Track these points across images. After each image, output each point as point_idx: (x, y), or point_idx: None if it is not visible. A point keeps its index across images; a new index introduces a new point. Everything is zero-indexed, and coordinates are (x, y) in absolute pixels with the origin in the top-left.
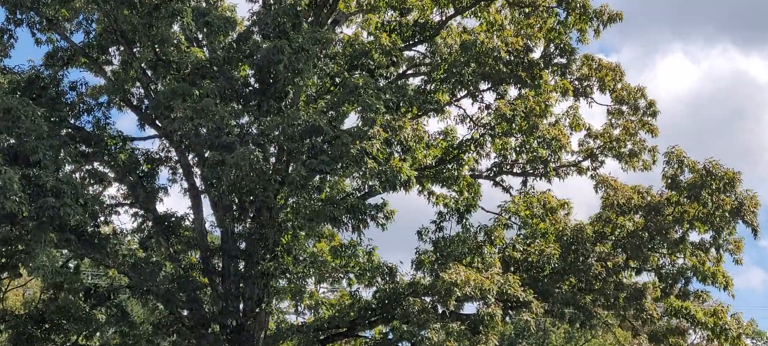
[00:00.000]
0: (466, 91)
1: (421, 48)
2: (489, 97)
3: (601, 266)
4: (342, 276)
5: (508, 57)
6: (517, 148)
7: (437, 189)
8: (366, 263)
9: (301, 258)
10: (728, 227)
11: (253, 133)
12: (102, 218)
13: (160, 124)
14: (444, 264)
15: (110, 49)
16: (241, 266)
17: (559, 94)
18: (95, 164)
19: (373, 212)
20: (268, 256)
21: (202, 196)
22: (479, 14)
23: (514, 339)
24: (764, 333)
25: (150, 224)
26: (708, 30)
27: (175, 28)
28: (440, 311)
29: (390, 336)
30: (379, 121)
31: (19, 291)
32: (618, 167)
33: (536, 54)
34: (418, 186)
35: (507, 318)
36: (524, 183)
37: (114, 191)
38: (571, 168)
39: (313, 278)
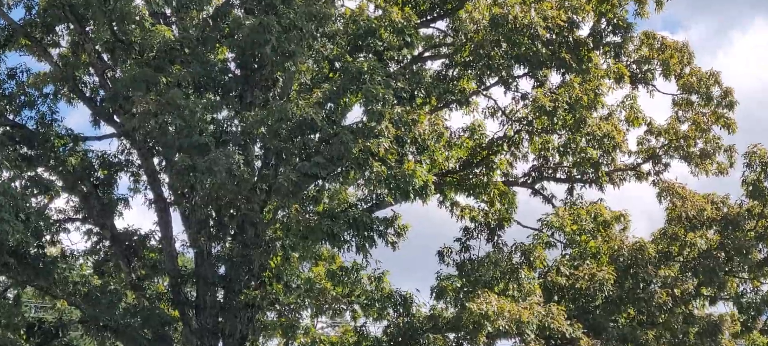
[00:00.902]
0: (497, 78)
1: (442, 24)
2: (525, 84)
3: (666, 294)
4: (344, 307)
5: (548, 35)
6: (561, 148)
7: (462, 199)
8: (374, 291)
9: (293, 285)
10: None
11: (233, 131)
12: (48, 237)
13: (118, 121)
14: (471, 292)
15: (57, 28)
16: (220, 296)
17: (613, 80)
18: (39, 170)
19: (381, 228)
20: (253, 283)
21: (171, 209)
22: None
23: None
24: None
25: (107, 243)
26: None
27: (138, 1)
28: None
29: None
30: (388, 114)
31: None
32: (686, 171)
33: (584, 31)
34: (437, 195)
35: None
36: (570, 191)
37: (62, 203)
38: (629, 172)
39: (308, 309)
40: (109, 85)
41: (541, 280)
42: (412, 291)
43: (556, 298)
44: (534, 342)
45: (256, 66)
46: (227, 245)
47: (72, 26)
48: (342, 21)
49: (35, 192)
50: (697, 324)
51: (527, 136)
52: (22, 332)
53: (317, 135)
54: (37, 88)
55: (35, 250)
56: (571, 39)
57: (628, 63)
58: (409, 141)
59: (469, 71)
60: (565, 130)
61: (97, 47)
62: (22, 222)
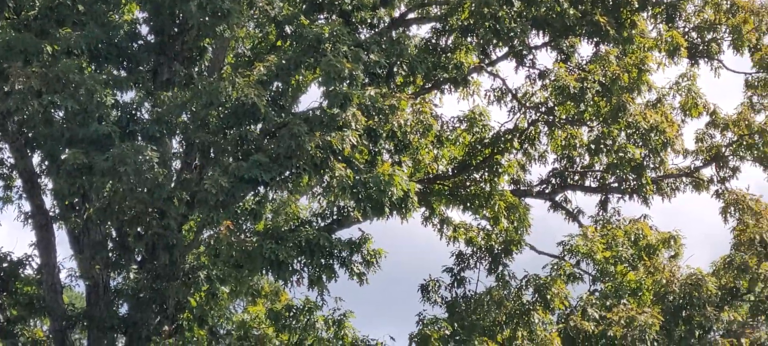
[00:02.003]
0: (506, 49)
1: None
2: (545, 58)
3: (730, 345)
4: None
5: None
6: (592, 146)
7: (456, 214)
8: (332, 339)
9: (221, 331)
10: None
11: (143, 119)
12: None
13: None
14: (465, 342)
15: None
16: (121, 345)
17: (664, 53)
18: None
19: (344, 254)
20: (165, 328)
21: (55, 226)
22: None
23: None
24: None
25: None
26: None
27: None
28: None
29: None
30: (356, 98)
31: None
32: (763, 178)
33: None
34: (422, 209)
35: None
36: (603, 205)
37: None
38: (683, 179)
39: None
40: None
41: (561, 326)
42: (385, 340)
43: None
44: None
45: (175, 30)
46: (132, 276)
47: None
48: None
49: None
50: None
51: (546, 128)
52: None
53: (259, 126)
54: None
55: None
56: None
57: (686, 30)
58: (384, 135)
59: (469, 39)
60: (598, 120)
61: None
62: None
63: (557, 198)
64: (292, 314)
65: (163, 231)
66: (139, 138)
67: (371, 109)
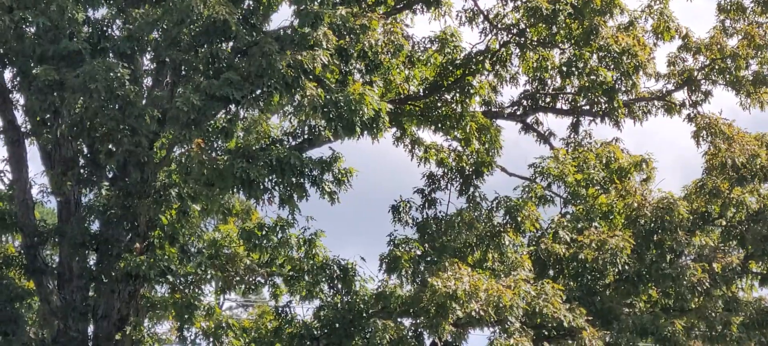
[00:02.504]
0: None
1: None
2: None
3: (702, 271)
4: (262, 281)
5: None
6: (564, 68)
7: (427, 135)
8: (303, 259)
9: (192, 249)
10: None
11: (115, 36)
12: None
13: None
14: (436, 263)
15: None
16: (92, 262)
17: None
18: None
19: (315, 173)
20: (137, 245)
21: (27, 142)
22: None
23: None
24: None
25: None
26: None
27: None
28: (429, 342)
29: None
30: (327, 17)
31: None
32: (734, 103)
33: None
34: (393, 129)
35: None
36: (575, 127)
37: None
38: (655, 103)
39: (212, 283)
40: None
41: (531, 248)
42: (356, 260)
43: (551, 273)
44: (519, 333)
45: None
46: (103, 193)
47: None
48: None
49: None
50: (743, 311)
51: (518, 50)
52: None
53: (230, 44)
54: None
55: None
56: None
57: None
58: (355, 55)
59: None
60: (570, 42)
61: None
62: None
63: (529, 120)
64: (263, 232)
65: (134, 148)
66: (111, 55)
67: (342, 29)
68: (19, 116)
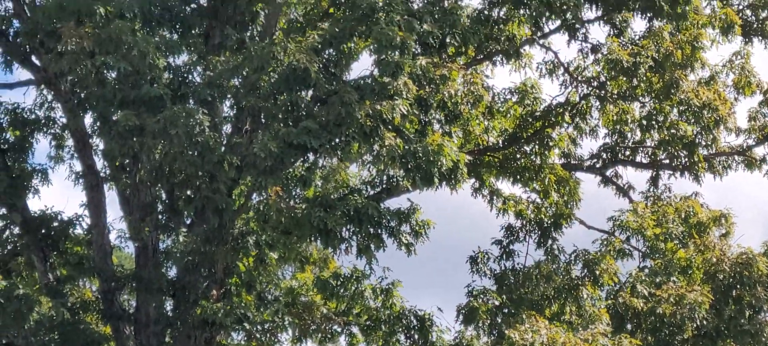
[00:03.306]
0: (559, 22)
1: None
2: (598, 32)
3: None
4: (338, 330)
5: None
6: (644, 121)
7: (505, 186)
8: (380, 308)
9: (269, 297)
10: None
11: (195, 82)
12: None
13: (38, 63)
14: (513, 315)
15: None
16: (169, 308)
17: (718, 30)
18: None
19: (393, 224)
20: (214, 291)
21: (106, 186)
22: None
23: None
24: None
25: (15, 231)
26: None
27: None
28: None
29: None
30: (408, 67)
31: None
32: None
33: None
34: (472, 180)
35: None
36: (654, 181)
37: None
38: (736, 157)
39: (288, 330)
40: (26, 14)
41: (609, 302)
42: (433, 311)
43: (629, 327)
44: None
45: None
46: (181, 239)
47: None
48: None
49: None
50: None
51: (598, 102)
52: None
53: (310, 92)
54: None
55: None
56: None
57: (740, 7)
58: (435, 105)
59: (522, 11)
60: (650, 96)
61: None
62: None
63: (608, 173)
64: (339, 282)
65: (212, 195)
66: (191, 101)
67: (422, 79)
68: (99, 161)
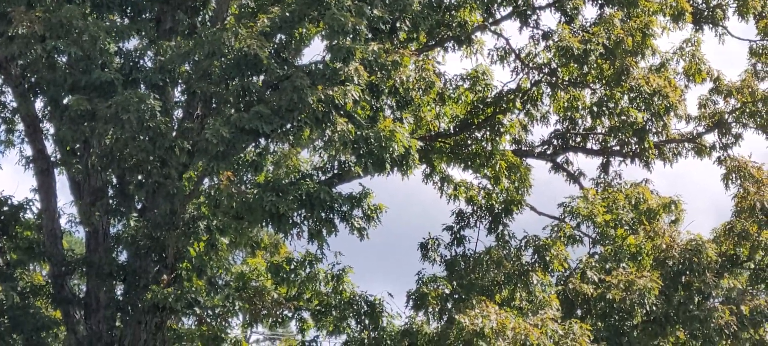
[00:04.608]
0: (510, 8)
1: None
2: (549, 19)
3: (730, 313)
4: (289, 315)
5: None
6: (595, 108)
7: (457, 172)
8: (331, 294)
9: (220, 282)
10: None
11: (146, 67)
12: None
13: None
14: (463, 300)
15: None
16: (119, 293)
17: (669, 18)
18: None
19: (345, 208)
20: (164, 276)
21: (56, 171)
22: None
23: None
24: None
25: None
26: None
27: None
28: None
29: None
30: (359, 53)
31: None
32: (765, 146)
33: None
34: (423, 166)
35: None
36: (605, 167)
37: None
38: (686, 145)
39: (239, 315)
40: None
41: (559, 287)
42: (383, 296)
43: (579, 312)
44: None
45: None
46: (132, 224)
47: None
48: None
49: None
50: None
51: (549, 89)
52: None
53: (261, 77)
54: None
55: None
56: None
57: None
58: (386, 91)
59: None
60: (601, 83)
61: None
62: None
63: (559, 159)
64: (291, 267)
65: (163, 180)
66: (142, 86)
67: (374, 65)
68: (49, 146)
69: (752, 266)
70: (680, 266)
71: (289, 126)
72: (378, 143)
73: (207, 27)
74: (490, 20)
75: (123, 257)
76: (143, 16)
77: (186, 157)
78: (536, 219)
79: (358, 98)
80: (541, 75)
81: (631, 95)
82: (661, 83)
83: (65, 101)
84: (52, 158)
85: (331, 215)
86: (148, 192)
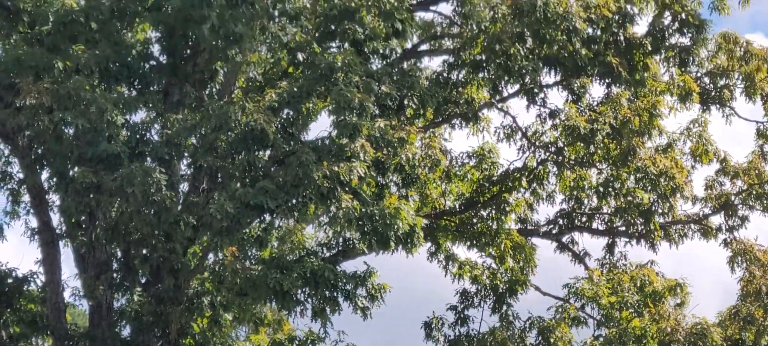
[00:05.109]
0: (517, 86)
1: (446, 8)
2: (556, 97)
3: None
4: None
5: (591, 30)
6: (601, 188)
7: (461, 251)
8: None
9: None
10: None
11: (153, 140)
12: None
13: None
14: None
15: None
16: None
17: (676, 98)
18: None
19: (349, 286)
20: None
21: (61, 243)
22: None
23: None
24: None
25: None
26: None
27: None
28: None
29: None
30: (366, 129)
31: None
32: None
33: (640, 28)
34: (428, 244)
35: None
36: (610, 248)
37: None
38: (692, 226)
39: None
40: None
41: None
42: None
43: None
44: None
45: (188, 52)
46: (135, 299)
47: None
48: None
49: None
50: None
51: (555, 168)
52: None
53: (268, 152)
54: None
55: None
56: (621, 37)
57: (699, 75)
58: (392, 168)
59: (481, 75)
60: (607, 163)
61: None
62: None
63: (564, 239)
64: (294, 344)
65: (168, 254)
66: (148, 159)
67: (380, 141)
68: (55, 218)
69: None
70: None
71: (294, 202)
72: (383, 221)
73: (214, 100)
74: (497, 98)
75: (126, 331)
76: (151, 88)
77: (191, 232)
78: (541, 299)
79: (363, 175)
80: (547, 154)
81: (638, 176)
82: (668, 164)
83: (71, 173)
84: (57, 230)
85: (335, 294)
86: (152, 266)
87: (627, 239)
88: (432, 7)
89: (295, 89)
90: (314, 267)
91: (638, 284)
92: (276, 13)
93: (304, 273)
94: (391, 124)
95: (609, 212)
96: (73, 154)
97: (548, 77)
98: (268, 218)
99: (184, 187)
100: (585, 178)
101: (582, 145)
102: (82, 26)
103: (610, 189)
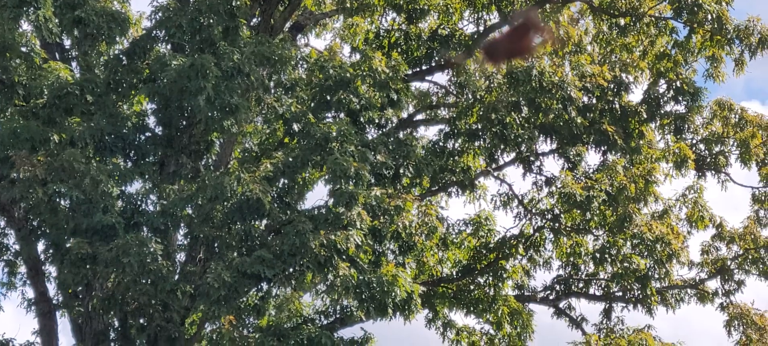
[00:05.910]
0: (513, 154)
1: (441, 78)
2: (552, 165)
3: None
4: None
5: (586, 99)
6: (597, 254)
7: (459, 318)
8: None
9: None
10: None
11: (149, 211)
12: None
13: None
14: None
15: None
16: None
17: (672, 165)
18: None
19: None
20: None
21: (58, 314)
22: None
23: None
24: None
25: None
26: None
27: (25, 26)
28: None
29: None
30: (362, 198)
31: None
32: (767, 293)
33: (635, 96)
34: (426, 311)
35: None
36: (607, 313)
37: None
38: (688, 291)
39: None
40: None
41: None
42: None
43: None
44: None
45: (183, 123)
46: None
47: None
48: (305, 67)
49: None
50: None
51: (552, 235)
52: None
53: (264, 222)
54: None
55: None
56: (617, 105)
57: (694, 142)
58: (389, 236)
59: (477, 143)
60: (604, 229)
61: None
62: None
63: (561, 305)
64: None
65: (165, 324)
66: (144, 230)
67: (377, 210)
68: (51, 288)
69: None
70: None
71: (291, 270)
72: (380, 288)
73: (210, 171)
74: (494, 166)
75: None
76: (147, 159)
77: (188, 301)
78: None
79: (360, 243)
80: (544, 221)
81: (634, 242)
82: (664, 230)
83: (67, 245)
84: (53, 301)
85: None
86: (149, 336)
87: (624, 304)
88: (427, 77)
89: (291, 159)
90: (311, 335)
91: None
92: (272, 84)
93: (302, 341)
94: (387, 192)
95: (606, 277)
96: (68, 226)
97: (544, 145)
98: (265, 286)
99: (181, 257)
100: (581, 244)
101: (578, 212)
102: (77, 99)
103: (607, 255)
